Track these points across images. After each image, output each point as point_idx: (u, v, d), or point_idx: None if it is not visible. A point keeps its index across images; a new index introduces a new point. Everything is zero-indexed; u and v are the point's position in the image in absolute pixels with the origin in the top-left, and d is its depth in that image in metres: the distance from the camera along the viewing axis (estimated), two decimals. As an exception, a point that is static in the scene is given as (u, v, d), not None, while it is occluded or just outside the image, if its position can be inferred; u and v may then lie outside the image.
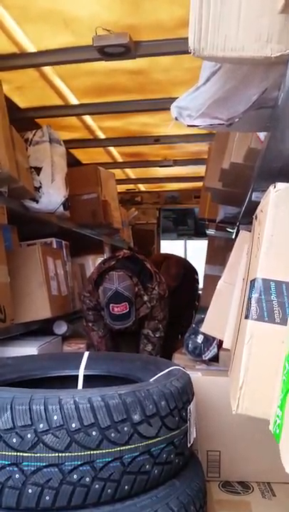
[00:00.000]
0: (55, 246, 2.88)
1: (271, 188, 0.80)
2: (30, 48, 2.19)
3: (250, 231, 1.33)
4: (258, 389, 0.77)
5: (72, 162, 3.66)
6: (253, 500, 1.27)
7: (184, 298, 3.37)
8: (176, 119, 1.00)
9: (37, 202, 2.42)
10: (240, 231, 1.42)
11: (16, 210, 2.34)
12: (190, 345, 1.92)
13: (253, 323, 0.79)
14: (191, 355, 1.90)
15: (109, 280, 2.22)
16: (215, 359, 1.84)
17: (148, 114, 3.05)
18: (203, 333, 1.82)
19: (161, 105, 2.74)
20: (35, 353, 2.12)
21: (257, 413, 0.76)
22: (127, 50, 2.07)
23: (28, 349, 2.12)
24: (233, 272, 1.35)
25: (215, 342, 1.86)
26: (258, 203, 1.37)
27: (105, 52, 2.08)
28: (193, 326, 2.02)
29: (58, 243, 2.93)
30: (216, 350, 1.86)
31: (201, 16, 0.75)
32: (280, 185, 0.80)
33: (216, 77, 0.94)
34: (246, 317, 0.82)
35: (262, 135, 1.35)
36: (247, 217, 2.00)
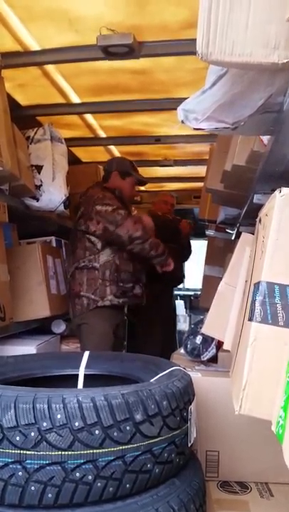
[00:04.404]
0: (54, 244, 2.88)
1: (277, 192, 0.81)
2: (34, 46, 2.19)
3: (251, 233, 1.34)
4: (261, 390, 0.78)
5: (73, 160, 3.67)
6: (251, 499, 1.28)
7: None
8: (182, 122, 1.01)
9: (37, 200, 2.43)
10: (242, 233, 1.43)
11: (17, 208, 2.35)
12: (189, 345, 1.93)
13: (256, 326, 0.80)
14: (189, 356, 1.90)
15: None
16: (213, 360, 1.85)
17: (149, 114, 3.06)
18: (202, 334, 1.83)
19: (163, 105, 2.75)
20: (34, 351, 2.13)
21: (259, 414, 0.78)
22: (130, 50, 2.08)
23: (27, 348, 2.13)
24: (235, 274, 1.36)
25: (213, 343, 1.87)
26: (259, 205, 1.39)
27: (109, 52, 2.09)
28: (192, 326, 2.03)
29: (58, 242, 2.94)
30: (214, 351, 1.87)
31: (209, 21, 0.76)
32: (285, 189, 0.81)
33: (223, 81, 0.95)
34: (250, 319, 0.83)
35: (265, 138, 1.36)
36: (247, 218, 2.02)
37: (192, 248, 4.21)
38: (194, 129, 1.01)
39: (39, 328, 2.52)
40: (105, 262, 2.48)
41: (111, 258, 2.49)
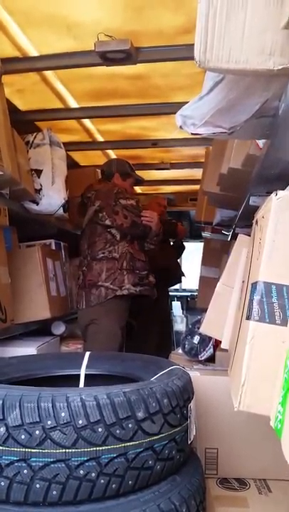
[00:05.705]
0: (54, 247, 2.90)
1: (273, 195, 0.84)
2: (33, 52, 2.21)
3: (247, 234, 1.37)
4: (259, 386, 0.80)
5: (71, 164, 3.69)
6: (249, 496, 1.30)
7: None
8: (180, 127, 1.03)
9: (37, 204, 2.45)
10: (239, 235, 1.46)
11: (17, 211, 2.37)
12: (187, 345, 1.95)
13: (254, 324, 0.82)
14: (187, 356, 1.93)
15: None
16: (211, 359, 1.88)
17: (147, 118, 3.08)
18: (200, 334, 1.86)
19: (161, 110, 2.78)
20: (34, 352, 2.15)
21: (258, 410, 0.80)
22: (128, 56, 2.10)
23: (27, 349, 2.16)
24: (232, 275, 1.39)
25: (211, 343, 1.90)
26: (255, 207, 1.42)
27: (107, 58, 2.12)
28: (190, 326, 2.06)
29: (57, 244, 2.96)
30: (211, 350, 1.90)
31: (207, 29, 0.79)
32: (281, 193, 0.83)
33: (220, 87, 0.98)
34: (248, 318, 0.86)
35: (261, 142, 1.39)
36: (243, 220, 2.05)
37: (185, 247, 4.57)
38: (192, 134, 1.04)
39: (39, 329, 2.54)
40: (122, 253, 2.58)
41: (125, 249, 2.59)
